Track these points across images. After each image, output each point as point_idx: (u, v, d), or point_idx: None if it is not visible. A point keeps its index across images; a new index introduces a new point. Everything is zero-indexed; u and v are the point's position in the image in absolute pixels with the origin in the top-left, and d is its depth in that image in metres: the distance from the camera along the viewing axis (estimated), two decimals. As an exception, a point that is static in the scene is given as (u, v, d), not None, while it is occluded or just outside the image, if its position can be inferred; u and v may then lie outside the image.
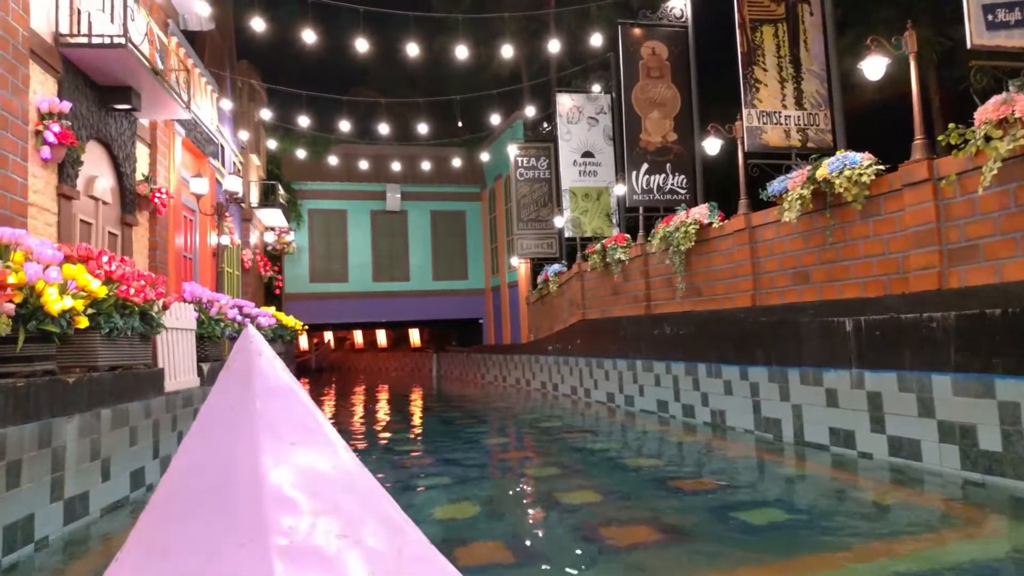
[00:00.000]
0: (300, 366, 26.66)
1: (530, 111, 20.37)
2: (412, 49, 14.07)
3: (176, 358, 8.92)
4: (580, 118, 17.88)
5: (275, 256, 23.09)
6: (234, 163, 18.15)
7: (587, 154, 17.88)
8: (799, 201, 8.13)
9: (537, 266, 20.43)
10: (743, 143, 10.02)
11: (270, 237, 22.30)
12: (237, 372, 1.18)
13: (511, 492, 7.00)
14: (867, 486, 6.55)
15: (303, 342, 42.53)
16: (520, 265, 21.96)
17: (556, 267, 17.87)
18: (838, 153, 7.89)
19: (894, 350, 6.91)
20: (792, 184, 8.41)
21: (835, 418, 7.72)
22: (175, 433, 8.45)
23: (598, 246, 14.12)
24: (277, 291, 23.32)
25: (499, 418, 13.68)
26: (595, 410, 13.42)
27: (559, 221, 18.42)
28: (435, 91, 22.98)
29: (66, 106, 7.78)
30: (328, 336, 42.42)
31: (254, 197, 20.42)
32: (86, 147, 8.74)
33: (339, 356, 42.31)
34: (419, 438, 11.05)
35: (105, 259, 6.67)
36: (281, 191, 21.53)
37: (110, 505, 6.36)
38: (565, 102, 18.13)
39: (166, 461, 7.93)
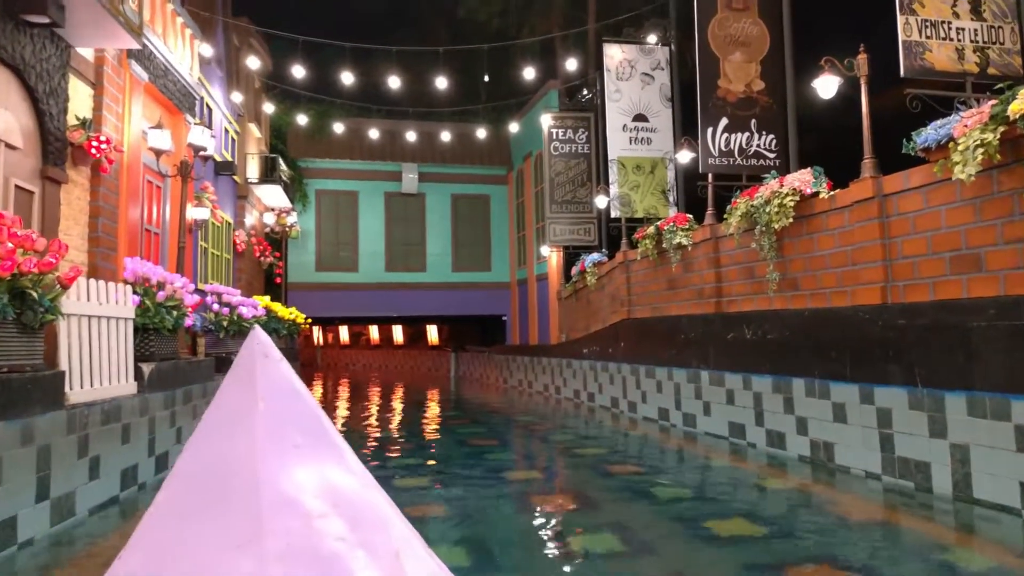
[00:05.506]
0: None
1: (570, 64, 16.95)
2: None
3: (95, 357, 6.55)
4: (632, 74, 15.00)
5: (277, 240, 20.59)
6: (226, 129, 15.79)
7: (639, 117, 15.01)
8: (980, 150, 5.55)
9: (571, 256, 17.71)
10: (868, 80, 7.21)
11: (270, 219, 19.83)
12: (241, 374, 1.13)
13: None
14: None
15: (317, 337, 40.35)
16: (551, 255, 19.25)
17: (595, 256, 15.26)
18: (1043, 79, 5.33)
19: None
20: (960, 129, 5.84)
21: (1030, 469, 5.30)
22: (85, 460, 6.09)
23: (651, 229, 11.52)
24: (278, 279, 20.80)
25: (526, 438, 11.20)
26: (644, 430, 10.94)
27: (600, 202, 15.67)
28: (458, 55, 20.18)
29: (-81, -8, 5.38)
30: (317, 332, 39.94)
31: (252, 172, 17.97)
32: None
33: (333, 353, 40.05)
34: (428, 465, 8.61)
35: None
36: (283, 166, 18.96)
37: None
38: (614, 54, 15.26)
39: (64, 501, 5.63)
